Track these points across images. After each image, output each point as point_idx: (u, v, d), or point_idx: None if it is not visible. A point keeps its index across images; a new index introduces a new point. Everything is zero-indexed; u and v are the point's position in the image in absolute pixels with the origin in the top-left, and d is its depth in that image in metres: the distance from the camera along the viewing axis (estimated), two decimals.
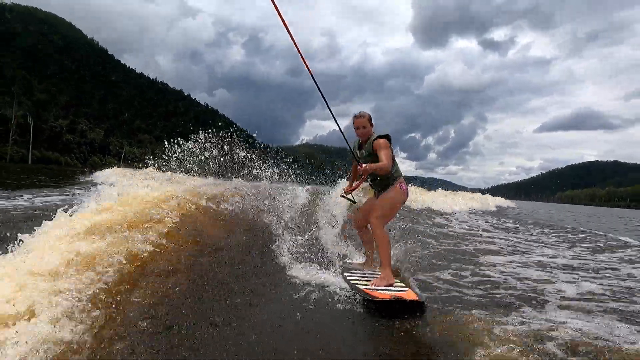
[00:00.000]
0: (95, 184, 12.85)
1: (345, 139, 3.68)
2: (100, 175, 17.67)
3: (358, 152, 3.73)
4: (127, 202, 3.31)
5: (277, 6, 2.43)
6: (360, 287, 3.13)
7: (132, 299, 2.38)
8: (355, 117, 3.62)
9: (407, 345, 2.28)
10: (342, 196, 4.06)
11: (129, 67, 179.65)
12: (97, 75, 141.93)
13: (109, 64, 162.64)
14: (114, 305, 2.24)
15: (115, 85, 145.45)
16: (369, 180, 3.74)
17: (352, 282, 3.28)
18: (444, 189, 21.39)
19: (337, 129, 3.49)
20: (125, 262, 2.56)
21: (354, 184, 3.94)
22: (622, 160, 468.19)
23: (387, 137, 3.52)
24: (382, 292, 3.00)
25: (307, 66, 2.99)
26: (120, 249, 2.62)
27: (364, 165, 3.37)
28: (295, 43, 2.72)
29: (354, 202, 4.09)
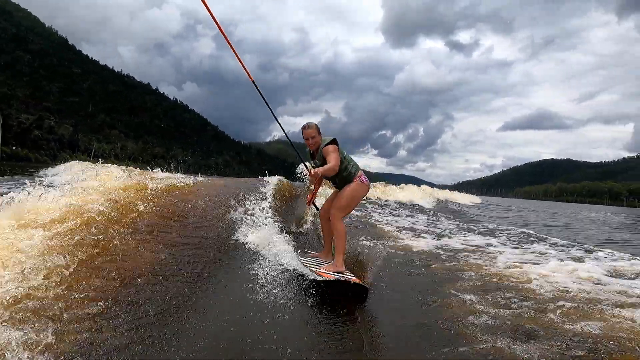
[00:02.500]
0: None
1: (296, 150, 4.14)
2: (57, 170, 16.51)
3: (312, 162, 3.85)
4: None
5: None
6: (312, 269, 3.41)
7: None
8: (304, 128, 3.67)
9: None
10: (310, 205, 4.32)
11: (91, 57, 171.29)
12: (57, 67, 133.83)
13: (69, 54, 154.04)
14: None
15: (76, 77, 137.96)
16: (331, 183, 3.94)
17: (305, 264, 3.54)
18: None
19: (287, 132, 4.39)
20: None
21: (312, 192, 4.15)
22: (574, 159, 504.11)
23: (333, 141, 3.62)
24: (331, 275, 3.28)
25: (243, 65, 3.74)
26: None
27: (312, 171, 3.54)
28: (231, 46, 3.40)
29: (318, 209, 4.31)
